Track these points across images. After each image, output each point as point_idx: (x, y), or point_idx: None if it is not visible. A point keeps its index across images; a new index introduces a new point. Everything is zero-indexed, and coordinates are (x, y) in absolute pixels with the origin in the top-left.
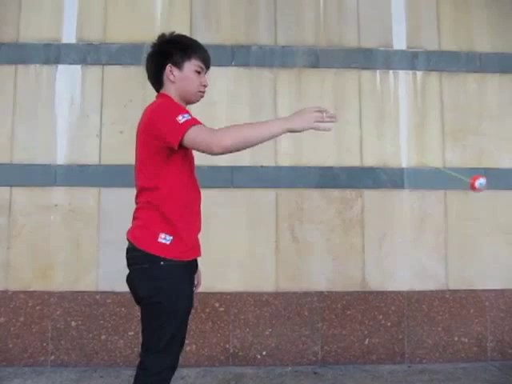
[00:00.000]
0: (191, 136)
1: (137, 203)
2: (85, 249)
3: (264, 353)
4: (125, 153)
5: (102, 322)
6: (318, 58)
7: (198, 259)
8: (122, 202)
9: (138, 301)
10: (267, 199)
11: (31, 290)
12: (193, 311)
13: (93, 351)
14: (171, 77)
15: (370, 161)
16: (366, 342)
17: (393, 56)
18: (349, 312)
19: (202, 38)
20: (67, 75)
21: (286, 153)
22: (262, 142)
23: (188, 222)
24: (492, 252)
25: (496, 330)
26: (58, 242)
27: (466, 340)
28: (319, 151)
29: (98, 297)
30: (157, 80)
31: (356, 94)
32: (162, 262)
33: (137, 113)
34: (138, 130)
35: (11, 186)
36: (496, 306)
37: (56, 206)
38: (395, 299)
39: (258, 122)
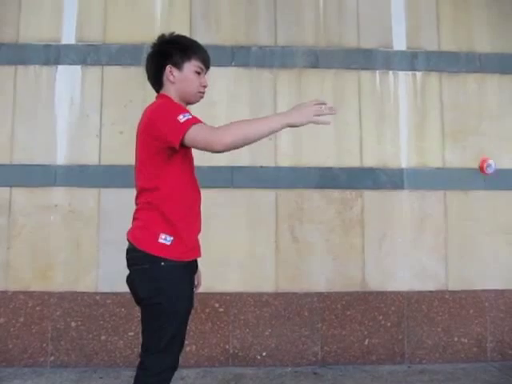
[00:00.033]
0: (192, 135)
1: (137, 204)
2: (85, 249)
3: (264, 353)
4: (125, 153)
5: (101, 322)
6: (318, 59)
7: (198, 259)
8: (121, 203)
9: (138, 301)
10: (267, 199)
11: (31, 290)
12: (193, 312)
13: (93, 352)
14: (171, 77)
15: (369, 161)
16: (366, 342)
17: (392, 56)
18: (349, 312)
19: (202, 38)
20: (67, 76)
21: (285, 153)
22: (261, 138)
23: (188, 222)
24: (492, 252)
25: (496, 330)
26: (57, 243)
27: (466, 340)
28: (319, 152)
29: (97, 297)
30: (156, 81)
31: (356, 95)
32: (162, 263)
33: (137, 113)
34: (138, 131)
35: (11, 186)
36: (496, 307)
37: (56, 206)
38: (395, 299)
39: (257, 118)
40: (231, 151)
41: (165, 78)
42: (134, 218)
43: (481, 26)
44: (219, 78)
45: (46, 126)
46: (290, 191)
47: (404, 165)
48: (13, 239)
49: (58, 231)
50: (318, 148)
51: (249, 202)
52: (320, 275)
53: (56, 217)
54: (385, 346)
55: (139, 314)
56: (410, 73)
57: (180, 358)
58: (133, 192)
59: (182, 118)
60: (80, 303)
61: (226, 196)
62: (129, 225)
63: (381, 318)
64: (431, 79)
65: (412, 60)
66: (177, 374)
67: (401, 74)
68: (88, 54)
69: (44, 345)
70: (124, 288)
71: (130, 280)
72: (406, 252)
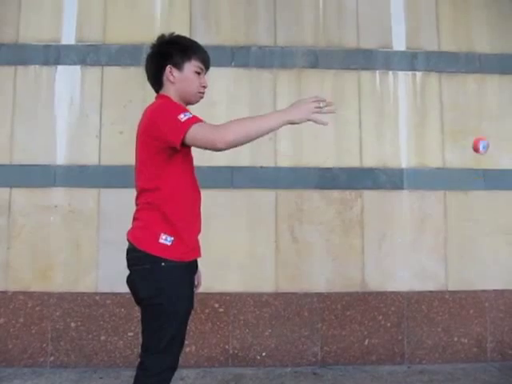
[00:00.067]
0: (193, 133)
1: (137, 204)
2: (84, 249)
3: (264, 353)
4: (124, 153)
5: (101, 322)
6: (318, 59)
7: (198, 260)
8: (121, 203)
9: (139, 301)
10: (267, 200)
11: (31, 290)
12: (192, 312)
13: (92, 352)
14: (171, 78)
15: (369, 161)
16: (366, 342)
17: (392, 56)
18: (348, 313)
19: (202, 38)
20: (67, 76)
21: (285, 153)
22: (262, 135)
23: (188, 222)
24: (492, 252)
25: (496, 330)
26: (57, 243)
27: (466, 341)
28: (319, 152)
29: (97, 298)
30: (156, 81)
31: (355, 95)
32: (162, 263)
33: (136, 113)
34: (138, 131)
35: (11, 186)
36: (496, 307)
37: (56, 206)
38: (395, 300)
39: (257, 116)
40: (231, 150)
41: (165, 79)
42: (135, 219)
43: (480, 26)
44: (219, 78)
45: (46, 126)
46: (289, 191)
47: (404, 165)
48: (13, 239)
49: (57, 231)
50: (318, 148)
51: (249, 202)
52: (320, 275)
53: (56, 217)
54: (385, 347)
55: (139, 315)
56: (409, 73)
57: (180, 359)
58: (133, 192)
59: (182, 118)
60: (80, 303)
61: (226, 196)
62: (129, 225)
63: (381, 318)
64: (431, 79)
65: (412, 60)
66: (177, 374)
67: (400, 74)
68: (88, 55)
69: (44, 345)
70: (124, 288)
71: (130, 280)
72: (406, 252)
